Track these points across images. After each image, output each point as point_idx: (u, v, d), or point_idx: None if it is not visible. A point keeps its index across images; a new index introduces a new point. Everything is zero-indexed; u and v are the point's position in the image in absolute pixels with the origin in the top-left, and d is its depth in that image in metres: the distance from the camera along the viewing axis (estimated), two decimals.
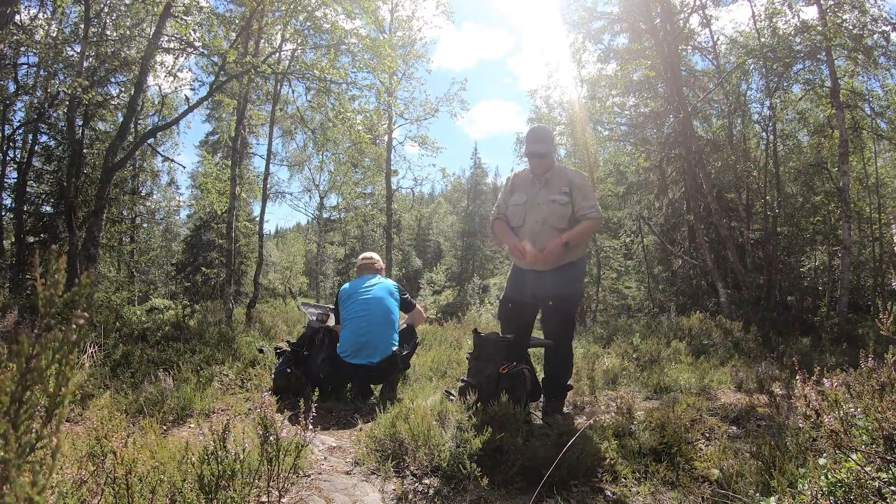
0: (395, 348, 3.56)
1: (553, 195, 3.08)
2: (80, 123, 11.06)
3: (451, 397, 3.10)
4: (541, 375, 3.35)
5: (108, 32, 9.37)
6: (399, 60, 12.24)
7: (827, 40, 8.57)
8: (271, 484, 1.61)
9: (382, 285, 3.73)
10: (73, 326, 0.47)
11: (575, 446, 2.26)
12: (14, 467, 0.43)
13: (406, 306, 3.85)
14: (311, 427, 1.66)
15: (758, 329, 6.75)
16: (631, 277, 17.33)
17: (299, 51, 7.70)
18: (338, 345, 3.66)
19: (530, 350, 3.44)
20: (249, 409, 3.06)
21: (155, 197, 21.25)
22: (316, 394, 1.79)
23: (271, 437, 1.57)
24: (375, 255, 3.97)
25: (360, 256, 4.00)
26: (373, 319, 3.54)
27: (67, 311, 0.50)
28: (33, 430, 0.45)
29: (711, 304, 10.85)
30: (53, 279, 0.46)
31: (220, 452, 1.52)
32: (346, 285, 3.79)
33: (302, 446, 1.63)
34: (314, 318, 4.27)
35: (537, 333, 3.59)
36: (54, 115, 11.77)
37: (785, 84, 10.65)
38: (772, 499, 1.65)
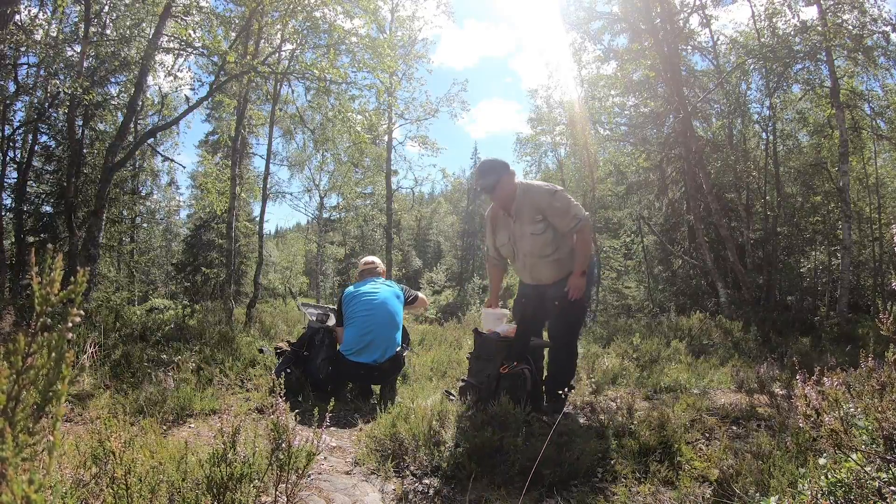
0: (398, 348, 3.58)
1: (527, 227, 3.02)
2: (80, 123, 11.06)
3: (451, 397, 3.10)
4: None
5: (108, 32, 9.36)
6: (399, 60, 12.22)
7: (827, 40, 8.57)
8: (279, 489, 1.61)
9: (388, 288, 3.78)
10: (69, 324, 0.47)
11: (575, 446, 2.26)
12: (11, 465, 0.43)
13: (412, 301, 3.93)
14: (323, 436, 1.65)
15: (758, 329, 6.75)
16: (631, 277, 17.35)
17: (298, 51, 7.70)
18: (338, 345, 3.67)
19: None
20: (249, 410, 3.06)
21: (155, 197, 21.27)
22: (331, 405, 1.78)
23: (283, 444, 1.57)
24: (378, 260, 4.05)
25: (363, 261, 4.07)
26: (378, 319, 3.56)
27: (66, 309, 0.50)
28: (30, 428, 0.45)
29: (711, 304, 10.84)
30: (50, 277, 0.46)
31: (230, 455, 1.52)
32: (351, 287, 3.82)
33: (313, 454, 1.63)
34: (314, 318, 4.27)
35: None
36: (54, 115, 11.77)
37: (785, 84, 10.65)
38: (772, 499, 1.65)
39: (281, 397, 1.66)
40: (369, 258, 4.07)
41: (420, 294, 4.06)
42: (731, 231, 10.53)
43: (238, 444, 1.58)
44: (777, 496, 1.66)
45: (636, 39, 11.16)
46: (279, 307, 11.56)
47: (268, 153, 8.58)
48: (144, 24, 8.45)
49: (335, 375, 3.55)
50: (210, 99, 7.26)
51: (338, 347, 3.67)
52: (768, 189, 11.87)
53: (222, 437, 1.56)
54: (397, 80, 13.59)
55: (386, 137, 15.80)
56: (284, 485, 1.60)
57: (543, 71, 36.84)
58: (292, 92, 8.72)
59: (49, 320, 0.48)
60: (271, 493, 1.65)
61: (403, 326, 3.96)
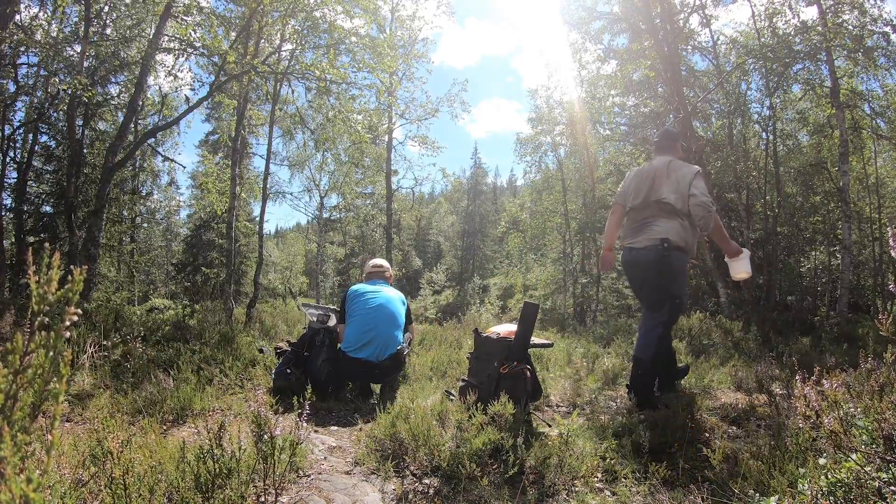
0: (399, 346, 3.59)
1: None
2: (80, 123, 11.07)
3: (451, 397, 3.10)
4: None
5: (109, 32, 9.37)
6: (399, 60, 12.23)
7: (827, 41, 8.56)
8: (267, 482, 1.61)
9: (392, 291, 3.82)
10: (66, 322, 0.47)
11: (575, 446, 2.26)
12: (10, 465, 0.43)
13: (408, 321, 3.93)
14: (304, 424, 1.65)
15: (758, 329, 6.75)
16: None
17: (298, 51, 7.70)
18: (340, 343, 3.67)
19: (530, 350, 3.43)
20: (248, 409, 3.06)
21: (155, 197, 21.26)
22: (309, 391, 1.79)
23: (265, 436, 1.57)
24: (386, 263, 4.08)
25: (371, 263, 4.09)
26: (380, 317, 3.58)
27: (64, 307, 0.50)
28: (27, 427, 0.45)
29: (711, 304, 10.83)
30: (47, 276, 0.46)
31: (216, 451, 1.52)
32: (355, 286, 3.84)
33: (296, 444, 1.63)
34: (314, 318, 4.27)
35: (537, 334, 3.59)
36: (54, 115, 11.77)
37: (785, 84, 10.65)
38: (772, 499, 1.65)
39: (256, 389, 1.68)
40: (377, 261, 4.10)
41: (413, 324, 4.12)
42: (731, 231, 10.53)
43: (224, 440, 1.58)
44: (777, 496, 1.66)
45: (636, 39, 11.15)
46: (279, 307, 11.57)
47: (268, 153, 8.58)
48: (144, 24, 8.45)
49: (336, 374, 3.55)
50: (210, 99, 7.26)
51: (339, 346, 3.67)
52: (768, 189, 11.87)
53: (209, 434, 1.57)
54: (397, 79, 13.60)
55: (386, 137, 15.80)
56: (272, 477, 1.60)
57: (544, 71, 36.89)
58: (292, 92, 8.72)
59: (47, 319, 0.48)
60: (261, 486, 1.65)
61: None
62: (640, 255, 3.28)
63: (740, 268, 3.37)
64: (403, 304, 3.82)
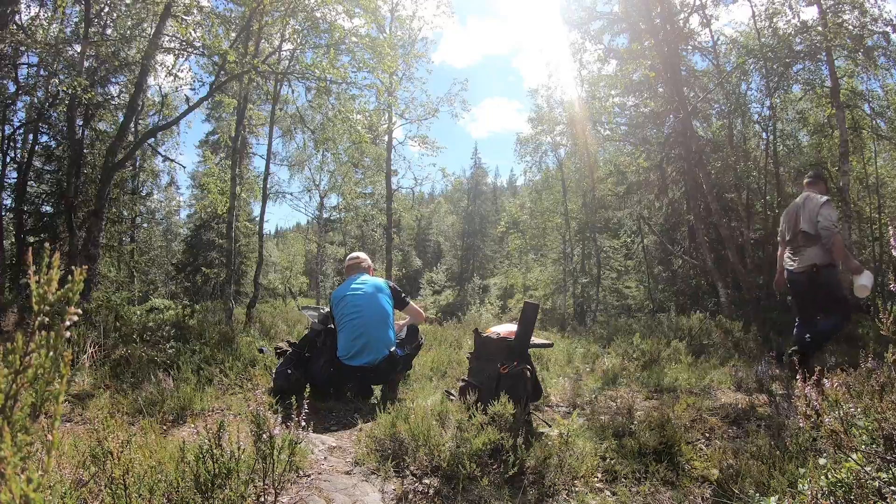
0: (392, 347, 3.55)
1: None
2: (80, 123, 11.05)
3: (451, 397, 3.10)
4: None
5: (109, 32, 9.37)
6: (399, 60, 12.22)
7: (827, 41, 8.56)
8: (267, 481, 1.61)
9: (372, 283, 3.69)
10: (66, 322, 0.47)
11: (575, 446, 2.26)
12: (10, 465, 0.43)
13: (399, 303, 3.79)
14: (303, 423, 1.65)
15: (758, 329, 6.74)
16: (631, 277, 17.32)
17: (298, 51, 7.70)
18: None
19: (530, 350, 3.43)
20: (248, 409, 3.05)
21: (155, 197, 21.24)
22: (307, 390, 1.79)
23: (264, 435, 1.57)
24: (363, 255, 3.95)
25: (348, 257, 3.98)
26: (367, 320, 3.52)
27: (65, 307, 0.50)
28: (27, 428, 0.45)
29: (711, 304, 10.82)
30: (47, 276, 0.46)
31: (215, 451, 1.52)
32: (336, 290, 3.77)
33: (296, 443, 1.63)
34: (315, 320, 4.26)
35: (537, 334, 3.59)
36: (54, 115, 11.76)
37: (785, 84, 10.64)
38: (772, 499, 1.65)
39: (255, 390, 1.68)
40: (354, 253, 3.96)
41: (413, 303, 3.92)
42: (731, 231, 10.52)
43: (223, 440, 1.58)
44: (777, 496, 1.66)
45: (636, 39, 11.15)
46: (279, 307, 11.57)
47: (268, 153, 8.59)
48: (145, 24, 8.46)
49: (336, 378, 3.54)
50: (210, 99, 7.27)
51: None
52: (768, 189, 11.86)
53: (208, 434, 1.57)
54: (397, 80, 13.59)
55: (386, 137, 15.80)
56: (271, 477, 1.60)
57: (544, 70, 36.89)
58: (292, 92, 8.72)
59: (48, 319, 0.48)
60: (261, 486, 1.65)
61: (414, 327, 3.92)
62: (799, 277, 4.15)
63: (861, 283, 3.94)
64: (382, 291, 3.66)
